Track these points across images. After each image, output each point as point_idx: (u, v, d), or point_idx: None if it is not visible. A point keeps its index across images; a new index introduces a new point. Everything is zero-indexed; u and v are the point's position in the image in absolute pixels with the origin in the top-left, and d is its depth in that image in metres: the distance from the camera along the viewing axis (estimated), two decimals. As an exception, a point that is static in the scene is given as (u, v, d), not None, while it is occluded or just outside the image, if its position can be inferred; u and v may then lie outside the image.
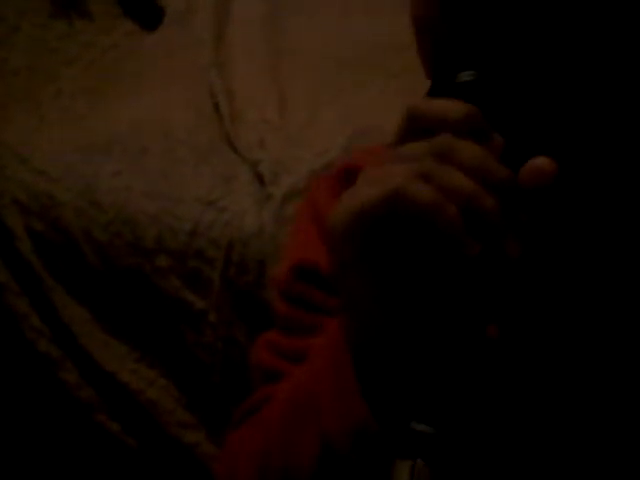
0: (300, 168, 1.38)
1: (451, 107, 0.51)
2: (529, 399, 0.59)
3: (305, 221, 0.76)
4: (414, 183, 0.49)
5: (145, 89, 1.63)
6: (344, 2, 1.70)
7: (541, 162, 0.51)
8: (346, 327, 0.57)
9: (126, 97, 1.62)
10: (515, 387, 0.59)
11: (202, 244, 1.38)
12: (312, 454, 0.59)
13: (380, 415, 0.55)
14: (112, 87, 1.66)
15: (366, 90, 1.52)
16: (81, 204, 1.45)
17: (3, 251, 1.48)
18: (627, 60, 0.58)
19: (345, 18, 1.65)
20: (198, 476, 1.40)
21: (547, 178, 0.50)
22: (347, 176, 0.73)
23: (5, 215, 1.49)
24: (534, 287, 0.59)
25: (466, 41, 0.56)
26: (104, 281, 1.44)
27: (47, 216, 1.46)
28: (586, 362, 0.59)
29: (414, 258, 0.51)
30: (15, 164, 1.52)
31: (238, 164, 1.46)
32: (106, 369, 1.43)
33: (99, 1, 1.77)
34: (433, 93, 0.54)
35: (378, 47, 1.57)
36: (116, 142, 1.53)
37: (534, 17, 0.56)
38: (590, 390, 0.59)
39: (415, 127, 0.51)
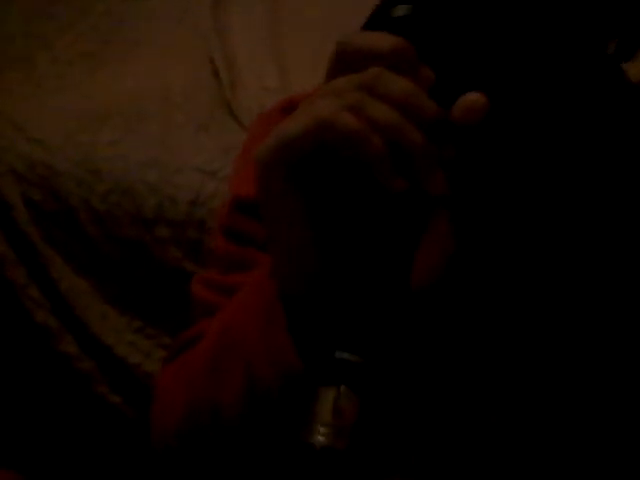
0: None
1: (380, 39, 0.51)
2: (454, 334, 0.60)
3: (247, 157, 0.75)
4: (340, 114, 0.50)
5: (143, 55, 1.61)
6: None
7: (473, 97, 0.51)
8: (272, 260, 0.57)
9: (123, 63, 1.60)
10: (442, 325, 0.60)
11: (203, 214, 1.37)
12: (238, 390, 0.59)
13: (304, 347, 0.55)
14: (109, 53, 1.64)
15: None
16: (79, 173, 1.43)
17: (0, 221, 1.47)
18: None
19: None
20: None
21: (479, 114, 0.50)
22: (288, 111, 0.73)
23: (1, 185, 1.47)
24: (459, 226, 0.59)
25: None
26: (103, 251, 1.42)
27: (45, 186, 1.45)
28: (512, 301, 0.59)
29: (340, 191, 0.51)
30: (11, 132, 1.50)
31: (238, 132, 1.44)
32: (104, 342, 1.42)
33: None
34: (369, 27, 0.54)
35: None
36: (114, 109, 1.51)
37: None
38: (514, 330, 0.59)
39: (346, 61, 0.52)
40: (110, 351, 1.41)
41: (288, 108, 0.73)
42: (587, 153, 0.60)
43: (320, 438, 0.46)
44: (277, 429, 0.57)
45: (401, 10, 0.52)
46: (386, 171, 0.49)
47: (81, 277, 1.45)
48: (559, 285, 0.59)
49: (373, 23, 0.54)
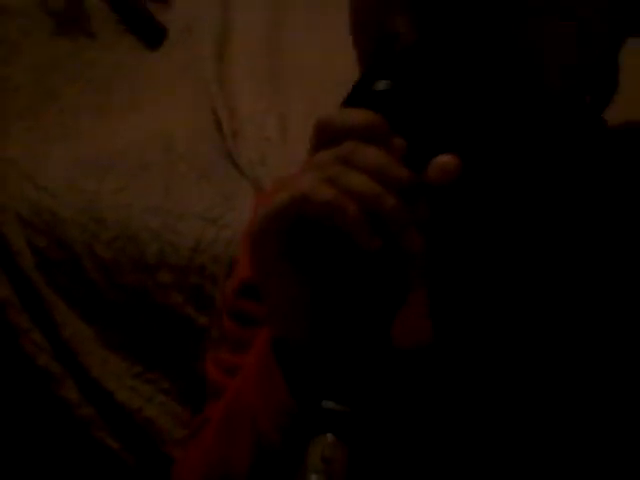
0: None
1: (354, 116, 0.56)
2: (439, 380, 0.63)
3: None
4: (318, 186, 0.54)
5: (147, 106, 1.64)
6: (345, 21, 1.71)
7: (446, 159, 0.55)
8: (270, 329, 0.61)
9: (128, 113, 1.63)
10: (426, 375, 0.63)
11: (204, 260, 1.39)
12: (247, 449, 0.62)
13: (301, 397, 0.58)
14: (114, 104, 1.67)
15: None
16: (84, 220, 1.46)
17: (5, 266, 1.49)
18: (522, 66, 0.62)
19: (346, 36, 1.66)
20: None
21: (452, 174, 0.55)
22: None
23: (7, 231, 1.49)
24: (437, 284, 0.64)
25: (385, 54, 0.62)
26: (107, 297, 1.44)
27: (50, 232, 1.47)
28: (495, 350, 0.63)
29: (324, 254, 0.55)
30: (18, 180, 1.53)
31: (239, 181, 1.47)
32: (105, 387, 1.43)
33: (103, 19, 1.79)
34: (351, 97, 0.59)
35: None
36: (118, 158, 1.53)
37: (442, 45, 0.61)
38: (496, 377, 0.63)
39: (325, 137, 0.56)
40: (111, 397, 1.42)
41: None
42: (563, 210, 0.63)
43: None
44: None
45: (382, 85, 0.58)
46: (362, 235, 0.53)
47: (84, 323, 1.46)
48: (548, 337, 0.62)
49: (355, 95, 0.59)
